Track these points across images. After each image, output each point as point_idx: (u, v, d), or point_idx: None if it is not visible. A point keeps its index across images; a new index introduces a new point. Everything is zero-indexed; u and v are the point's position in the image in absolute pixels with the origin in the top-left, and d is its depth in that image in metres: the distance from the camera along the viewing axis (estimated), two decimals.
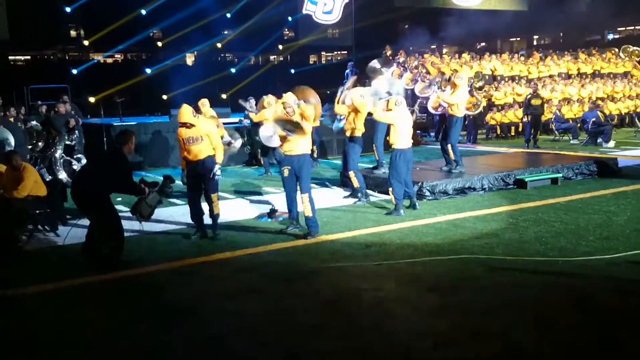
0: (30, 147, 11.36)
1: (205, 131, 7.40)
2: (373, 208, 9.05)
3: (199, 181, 7.53)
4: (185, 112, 7.39)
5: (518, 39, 35.61)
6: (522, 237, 7.23)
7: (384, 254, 6.63)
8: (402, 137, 8.58)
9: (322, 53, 35.02)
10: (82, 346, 4.54)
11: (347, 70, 19.97)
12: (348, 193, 9.93)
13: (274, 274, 6.09)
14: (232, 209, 9.19)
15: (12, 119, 11.11)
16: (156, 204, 6.82)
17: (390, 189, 8.57)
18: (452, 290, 5.49)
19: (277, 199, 9.42)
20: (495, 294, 5.38)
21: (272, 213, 8.53)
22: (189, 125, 7.35)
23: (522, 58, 22.85)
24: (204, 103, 11.02)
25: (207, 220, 7.60)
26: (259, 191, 10.76)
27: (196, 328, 4.78)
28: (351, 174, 9.48)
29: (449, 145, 10.61)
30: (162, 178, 7.26)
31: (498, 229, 7.60)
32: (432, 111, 18.62)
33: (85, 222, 8.32)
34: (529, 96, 16.63)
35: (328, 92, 22.26)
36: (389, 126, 8.94)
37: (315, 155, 13.73)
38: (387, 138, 9.26)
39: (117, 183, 6.41)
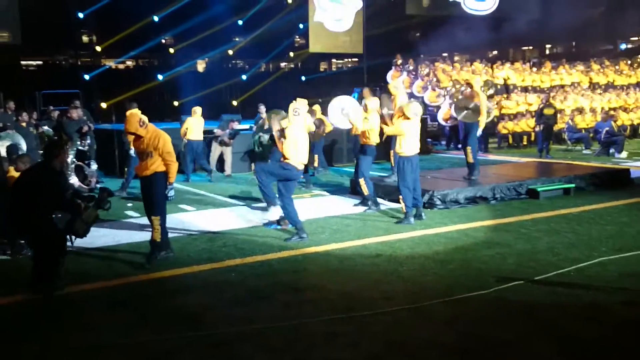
0: (41, 151, 11.40)
1: (155, 145, 6.58)
2: (383, 216, 9.01)
3: (146, 200, 6.83)
4: (132, 120, 6.66)
5: (530, 47, 35.50)
6: (535, 247, 7.16)
7: (394, 263, 6.58)
8: (409, 145, 8.55)
9: (333, 60, 35.04)
10: (91, 350, 4.53)
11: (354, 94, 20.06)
12: (358, 201, 9.88)
13: (283, 282, 6.06)
14: (241, 216, 9.18)
15: (24, 124, 11.17)
16: (93, 220, 6.17)
17: (400, 197, 8.53)
18: (463, 300, 5.43)
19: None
20: (507, 305, 5.32)
21: (281, 220, 8.49)
22: (136, 137, 6.66)
23: (534, 68, 22.76)
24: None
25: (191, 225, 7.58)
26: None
27: (205, 334, 4.75)
28: (361, 181, 9.45)
29: (468, 148, 10.68)
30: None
31: (510, 239, 7.53)
32: (443, 122, 18.65)
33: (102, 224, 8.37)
34: (542, 106, 16.54)
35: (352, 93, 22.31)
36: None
37: (316, 164, 13.71)
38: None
39: (49, 201, 5.69)
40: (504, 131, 18.85)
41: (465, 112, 10.84)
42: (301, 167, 7.79)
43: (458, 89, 17.51)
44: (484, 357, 4.39)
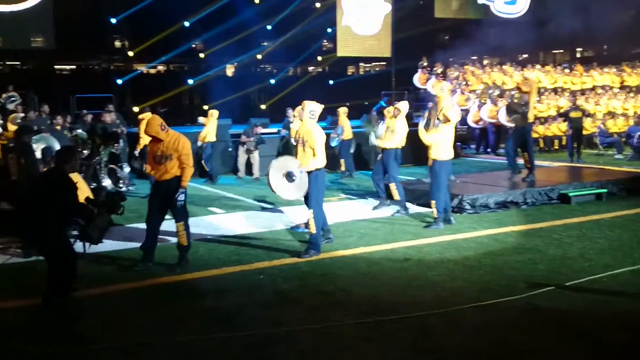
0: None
1: (175, 147, 6.53)
2: (412, 221, 8.97)
3: (165, 205, 6.70)
4: (153, 123, 6.58)
5: (561, 50, 35.01)
6: (566, 253, 7.07)
7: (423, 268, 6.56)
8: (446, 149, 8.46)
9: (360, 64, 35.01)
10: (129, 349, 4.61)
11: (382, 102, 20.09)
12: (377, 203, 9.81)
13: (312, 285, 6.08)
14: (269, 219, 9.23)
15: (58, 127, 11.40)
16: (106, 225, 6.08)
17: (433, 201, 8.45)
18: (493, 306, 5.38)
19: None
20: (538, 311, 5.26)
21: (309, 224, 8.51)
22: (156, 139, 6.59)
23: (566, 70, 22.44)
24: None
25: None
26: (295, 202, 10.75)
27: (234, 336, 4.80)
28: (392, 186, 9.42)
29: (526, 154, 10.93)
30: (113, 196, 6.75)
31: (541, 245, 7.44)
32: (473, 125, 18.48)
33: (130, 224, 8.51)
34: (569, 109, 16.35)
35: (366, 102, 22.31)
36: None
37: (342, 168, 13.74)
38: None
39: (61, 206, 5.57)
40: (535, 135, 18.55)
41: (515, 115, 10.88)
42: None
43: (510, 94, 17.41)
44: None
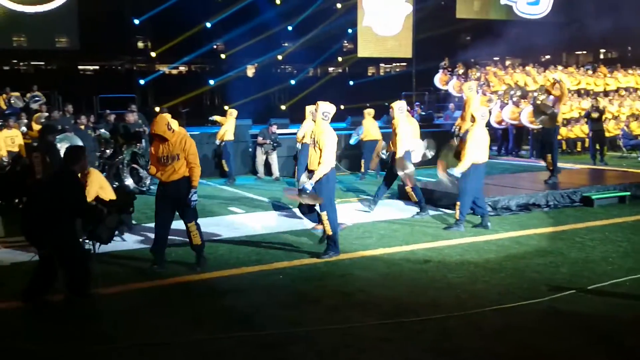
0: (98, 154, 11.79)
1: (182, 147, 6.45)
2: (432, 222, 8.93)
3: (175, 206, 6.60)
4: (160, 122, 6.46)
5: (584, 52, 34.60)
6: (589, 256, 6.99)
7: (443, 270, 6.53)
8: (480, 150, 8.20)
9: (381, 65, 34.94)
10: (148, 348, 4.65)
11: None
12: (416, 210, 9.48)
13: (331, 285, 6.08)
14: (289, 219, 9.25)
15: (82, 127, 11.54)
16: (116, 225, 6.03)
17: (459, 203, 8.31)
18: (514, 309, 5.34)
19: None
20: (560, 315, 5.21)
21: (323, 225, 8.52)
22: (162, 139, 6.46)
23: (589, 71, 22.16)
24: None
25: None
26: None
27: (253, 335, 4.82)
28: (408, 189, 9.35)
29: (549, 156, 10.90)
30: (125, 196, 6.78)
31: (563, 248, 7.36)
32: (495, 125, 18.33)
33: (150, 223, 8.59)
34: (589, 110, 16.18)
35: (386, 103, 22.25)
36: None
37: (362, 169, 13.74)
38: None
39: (70, 207, 5.49)
40: (558, 137, 18.34)
41: (543, 116, 10.82)
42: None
43: (533, 95, 17.30)
44: None
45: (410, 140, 9.28)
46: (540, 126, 13.72)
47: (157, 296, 5.91)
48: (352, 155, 15.03)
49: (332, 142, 6.95)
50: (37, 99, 16.85)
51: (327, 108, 7.03)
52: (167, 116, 6.78)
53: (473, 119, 8.30)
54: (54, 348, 4.68)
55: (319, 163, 6.87)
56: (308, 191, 6.86)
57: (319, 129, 7.04)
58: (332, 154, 6.94)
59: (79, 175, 5.94)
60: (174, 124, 6.78)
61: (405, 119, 9.29)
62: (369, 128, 13.83)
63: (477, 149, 8.12)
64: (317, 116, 7.08)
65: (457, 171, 8.11)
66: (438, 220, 9.00)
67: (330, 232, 7.01)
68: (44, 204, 5.47)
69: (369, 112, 14.22)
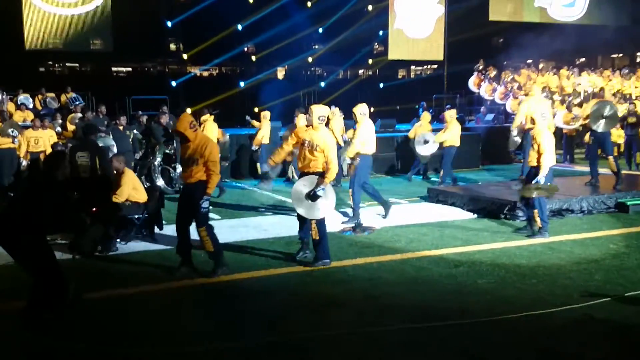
0: (137, 155, 11.96)
1: (201, 152, 6.34)
2: (462, 227, 8.83)
3: (188, 209, 6.51)
4: (183, 120, 6.39)
5: (620, 55, 33.91)
6: (623, 264, 6.82)
7: (473, 275, 6.44)
8: (553, 152, 8.05)
9: (412, 67, 34.77)
10: (177, 354, 4.69)
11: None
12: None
13: (358, 289, 6.05)
14: None
15: (121, 127, 11.70)
16: (100, 237, 5.69)
17: (536, 210, 8.03)
18: (546, 315, 5.23)
19: (363, 213, 9.36)
20: (593, 322, 5.09)
21: (356, 227, 8.50)
22: (184, 139, 6.40)
23: (627, 75, 21.69)
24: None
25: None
26: (345, 203, 10.74)
27: (279, 337, 4.82)
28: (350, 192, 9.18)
29: (610, 157, 10.77)
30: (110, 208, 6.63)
31: (597, 255, 7.20)
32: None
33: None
34: (625, 114, 15.82)
35: (416, 106, 22.13)
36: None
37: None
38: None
39: (47, 215, 5.11)
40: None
41: (602, 120, 10.63)
42: None
43: (568, 99, 17.00)
44: None
45: (362, 143, 8.95)
46: (574, 128, 13.45)
47: (184, 298, 5.95)
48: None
49: (334, 145, 6.94)
50: (77, 102, 17.17)
51: (322, 112, 6.96)
52: (189, 115, 6.78)
53: (533, 122, 8.14)
54: (84, 348, 4.74)
55: (328, 169, 6.79)
56: (320, 194, 6.72)
57: (317, 133, 6.88)
58: (335, 157, 6.90)
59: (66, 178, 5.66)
60: (210, 128, 6.82)
61: (367, 122, 9.13)
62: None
63: (552, 151, 7.95)
64: (314, 120, 6.91)
65: (542, 178, 7.86)
66: (468, 226, 8.88)
67: (317, 237, 6.78)
68: (19, 209, 5.11)
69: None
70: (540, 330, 4.95)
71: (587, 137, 10.93)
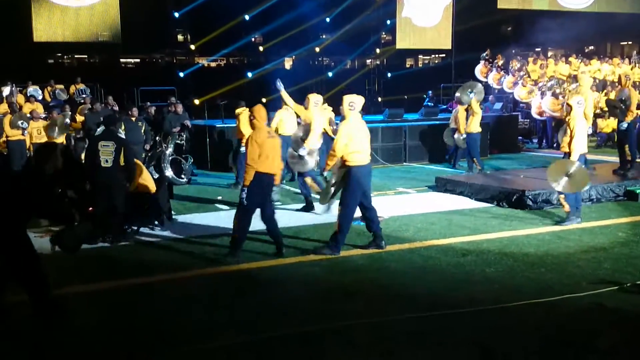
0: (147, 146, 12.01)
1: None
2: (470, 216, 8.83)
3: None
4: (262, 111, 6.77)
5: (629, 42, 33.60)
6: (632, 252, 6.81)
7: (481, 264, 6.45)
8: (582, 142, 8.06)
9: (419, 56, 34.58)
10: (181, 337, 4.74)
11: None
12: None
13: (368, 278, 6.08)
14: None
15: (133, 119, 11.76)
16: (86, 236, 5.47)
17: (562, 196, 8.09)
18: (554, 304, 5.25)
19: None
20: (602, 311, 5.10)
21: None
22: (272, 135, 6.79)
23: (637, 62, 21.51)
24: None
25: None
26: None
27: (289, 327, 4.85)
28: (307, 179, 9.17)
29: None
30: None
31: (606, 243, 7.20)
32: (536, 117, 17.97)
33: (188, 215, 8.73)
34: (638, 103, 15.66)
35: (424, 95, 22.04)
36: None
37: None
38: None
39: (33, 207, 4.98)
40: (606, 130, 17.70)
41: (615, 112, 10.68)
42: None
43: (568, 85, 16.87)
44: None
45: (317, 136, 8.87)
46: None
47: (196, 287, 6.00)
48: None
49: (344, 132, 6.75)
50: (83, 95, 17.25)
51: (353, 99, 6.93)
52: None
53: (570, 108, 8.14)
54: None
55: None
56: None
57: (343, 119, 6.99)
58: (340, 143, 6.71)
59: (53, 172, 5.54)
60: (245, 120, 6.99)
61: (319, 112, 9.03)
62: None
63: (583, 139, 8.01)
64: (344, 108, 6.92)
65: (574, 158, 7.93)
66: (476, 214, 8.89)
67: (337, 229, 6.82)
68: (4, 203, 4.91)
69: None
70: (548, 318, 4.97)
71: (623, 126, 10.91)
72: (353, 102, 6.91)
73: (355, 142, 6.78)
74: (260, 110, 6.77)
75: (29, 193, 4.92)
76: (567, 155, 8.15)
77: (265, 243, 7.25)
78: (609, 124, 17.47)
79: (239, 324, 5.00)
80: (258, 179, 6.55)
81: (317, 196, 8.53)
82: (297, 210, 9.22)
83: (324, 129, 10.13)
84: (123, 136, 9.25)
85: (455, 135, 13.35)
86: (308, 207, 9.17)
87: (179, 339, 4.68)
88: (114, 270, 6.50)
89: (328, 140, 9.78)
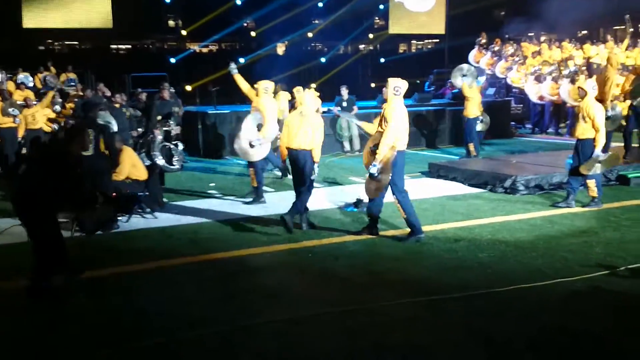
0: (134, 133, 11.93)
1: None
2: (462, 202, 8.84)
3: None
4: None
5: (623, 27, 33.60)
6: (624, 236, 6.85)
7: (474, 249, 6.47)
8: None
9: (412, 42, 34.44)
10: (174, 322, 4.73)
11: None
12: None
13: (360, 264, 6.09)
14: (318, 198, 9.23)
15: (118, 105, 11.67)
16: (106, 219, 5.67)
17: (590, 180, 8.11)
18: (546, 288, 5.27)
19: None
20: (594, 295, 5.13)
21: (358, 203, 8.51)
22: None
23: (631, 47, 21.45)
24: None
25: None
26: (346, 180, 10.74)
27: (279, 313, 4.85)
28: (251, 171, 9.06)
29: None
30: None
31: (598, 227, 7.23)
32: (538, 101, 17.88)
33: (181, 202, 8.70)
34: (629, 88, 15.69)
35: (418, 81, 21.96)
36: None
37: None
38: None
39: (62, 189, 5.13)
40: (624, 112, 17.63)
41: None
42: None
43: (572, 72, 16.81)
44: (568, 350, 4.26)
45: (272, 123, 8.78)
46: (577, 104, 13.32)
47: (189, 273, 5.99)
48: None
49: (397, 120, 6.66)
50: (72, 84, 17.11)
51: (398, 83, 6.76)
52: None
53: (584, 93, 8.04)
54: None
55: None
56: (375, 176, 6.62)
57: (389, 105, 6.77)
58: (393, 133, 6.64)
59: (81, 154, 5.67)
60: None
61: (270, 99, 8.95)
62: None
63: (604, 127, 7.96)
64: (389, 92, 6.79)
65: (599, 150, 7.91)
66: (468, 200, 8.90)
67: (405, 216, 6.81)
68: (32, 178, 5.19)
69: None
70: (540, 302, 5.00)
71: (625, 111, 10.86)
72: (399, 87, 6.75)
73: (402, 129, 6.75)
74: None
75: (65, 169, 5.05)
76: (583, 142, 7.98)
77: (256, 232, 7.23)
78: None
79: (231, 309, 5.00)
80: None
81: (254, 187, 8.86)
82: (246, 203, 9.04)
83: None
84: (102, 122, 9.14)
85: None
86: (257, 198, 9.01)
87: (171, 326, 4.67)
88: (104, 258, 6.46)
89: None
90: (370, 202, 7.09)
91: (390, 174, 6.73)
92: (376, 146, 6.68)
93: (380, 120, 6.83)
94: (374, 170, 6.62)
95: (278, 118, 9.31)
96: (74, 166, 5.33)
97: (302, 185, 7.29)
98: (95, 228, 5.37)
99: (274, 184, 10.51)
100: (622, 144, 11.00)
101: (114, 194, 7.27)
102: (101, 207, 5.56)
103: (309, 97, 7.56)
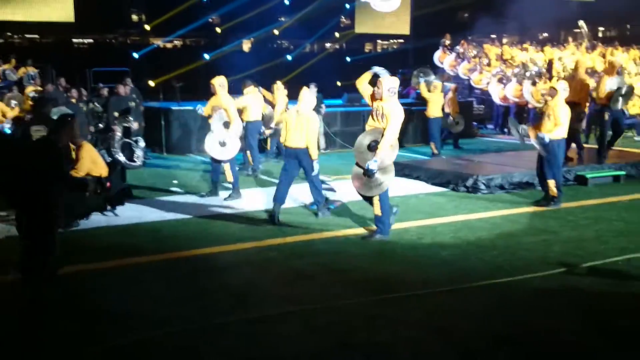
0: (92, 128, 11.71)
1: None
2: (425, 200, 8.94)
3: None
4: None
5: (579, 30, 34.46)
6: (582, 235, 7.02)
7: (436, 247, 6.55)
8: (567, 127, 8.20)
9: (378, 41, 34.68)
10: (149, 322, 4.67)
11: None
12: None
13: (325, 262, 6.10)
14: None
15: (74, 100, 11.44)
16: (93, 209, 5.72)
17: (551, 180, 8.22)
18: (506, 285, 5.37)
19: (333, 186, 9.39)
20: (552, 292, 5.25)
21: (325, 201, 8.51)
22: None
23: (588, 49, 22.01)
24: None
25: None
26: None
27: (248, 311, 4.84)
28: (226, 166, 9.02)
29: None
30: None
31: (556, 226, 7.39)
32: (500, 102, 18.16)
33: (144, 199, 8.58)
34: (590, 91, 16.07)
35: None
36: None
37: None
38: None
39: (50, 177, 5.17)
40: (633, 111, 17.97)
41: (620, 100, 10.62)
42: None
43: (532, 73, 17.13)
44: (527, 344, 4.35)
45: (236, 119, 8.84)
46: (540, 105, 13.62)
47: (154, 271, 5.91)
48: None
49: (399, 119, 6.59)
50: (31, 80, 16.67)
51: (391, 83, 6.61)
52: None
53: (555, 92, 8.16)
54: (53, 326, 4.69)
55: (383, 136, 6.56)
56: (373, 172, 6.55)
57: (388, 104, 6.61)
58: (395, 132, 6.59)
59: (69, 143, 5.72)
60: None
61: (226, 95, 8.88)
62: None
63: (566, 126, 8.11)
64: (383, 93, 6.59)
65: (548, 136, 8.00)
66: (432, 199, 9.00)
67: (380, 214, 6.80)
68: (28, 167, 5.18)
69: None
70: (501, 300, 5.09)
71: (606, 116, 11.02)
72: (393, 87, 6.61)
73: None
74: None
75: (55, 159, 5.12)
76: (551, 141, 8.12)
77: (222, 229, 7.18)
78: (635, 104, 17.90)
79: (196, 308, 4.95)
80: None
81: (229, 184, 8.97)
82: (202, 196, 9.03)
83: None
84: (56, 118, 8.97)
85: (449, 119, 13.79)
86: (214, 192, 9.02)
87: (133, 326, 4.60)
88: (67, 256, 6.32)
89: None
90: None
91: (393, 175, 6.81)
92: (376, 142, 6.62)
93: (377, 117, 6.69)
94: (374, 166, 6.51)
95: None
96: (59, 152, 5.37)
97: (309, 180, 7.71)
98: (83, 214, 5.61)
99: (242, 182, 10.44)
100: (596, 146, 11.22)
101: (108, 184, 7.18)
102: (93, 195, 5.68)
103: (307, 95, 7.55)
